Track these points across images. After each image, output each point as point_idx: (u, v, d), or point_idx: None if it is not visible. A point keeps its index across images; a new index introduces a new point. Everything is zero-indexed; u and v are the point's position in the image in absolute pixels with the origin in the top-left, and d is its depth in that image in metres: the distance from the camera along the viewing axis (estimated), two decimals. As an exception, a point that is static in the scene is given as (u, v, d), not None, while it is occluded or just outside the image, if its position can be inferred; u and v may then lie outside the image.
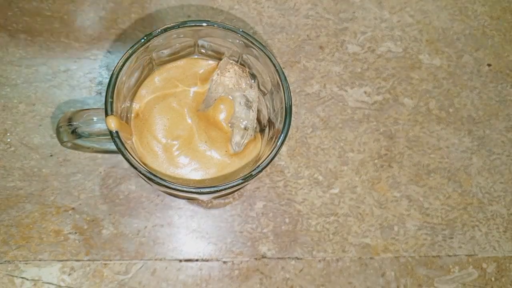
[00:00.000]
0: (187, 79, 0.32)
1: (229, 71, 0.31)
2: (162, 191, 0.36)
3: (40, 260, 0.35)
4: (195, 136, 0.31)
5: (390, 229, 0.38)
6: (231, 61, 0.32)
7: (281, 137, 0.28)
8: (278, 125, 0.29)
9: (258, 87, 0.32)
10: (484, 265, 0.39)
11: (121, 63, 0.28)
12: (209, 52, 0.33)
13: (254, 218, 0.37)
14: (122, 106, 0.30)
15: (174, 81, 0.32)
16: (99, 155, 0.37)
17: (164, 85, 0.32)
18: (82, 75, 0.38)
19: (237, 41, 0.30)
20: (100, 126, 0.28)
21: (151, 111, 0.31)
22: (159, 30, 0.29)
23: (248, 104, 0.31)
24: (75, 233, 0.35)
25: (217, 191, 0.27)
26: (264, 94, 0.33)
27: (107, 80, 0.29)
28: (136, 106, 0.31)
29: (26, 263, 0.34)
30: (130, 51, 0.28)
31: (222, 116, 0.31)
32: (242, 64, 0.32)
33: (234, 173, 0.31)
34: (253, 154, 0.32)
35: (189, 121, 0.31)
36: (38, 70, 0.38)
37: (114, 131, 0.26)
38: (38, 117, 0.37)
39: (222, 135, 0.31)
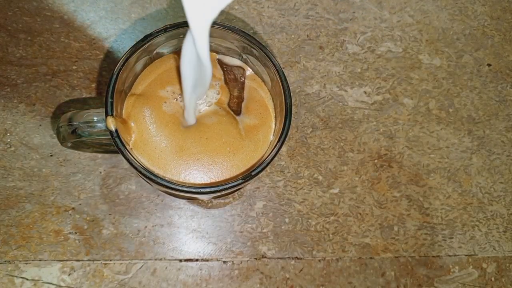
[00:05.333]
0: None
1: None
2: (162, 191, 0.36)
3: (40, 260, 0.35)
4: (198, 129, 0.30)
5: (390, 229, 0.38)
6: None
7: (281, 137, 0.28)
8: (278, 125, 0.29)
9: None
10: (484, 265, 0.39)
11: (121, 63, 0.28)
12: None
13: (254, 218, 0.37)
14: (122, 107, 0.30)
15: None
16: (99, 155, 0.37)
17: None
18: (82, 75, 0.38)
19: (237, 41, 0.30)
20: (100, 126, 0.28)
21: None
22: (159, 30, 0.29)
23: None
24: (75, 233, 0.35)
25: (217, 191, 0.27)
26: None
27: (107, 80, 0.29)
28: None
29: (26, 263, 0.34)
30: (130, 51, 0.28)
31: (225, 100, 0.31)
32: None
33: (240, 164, 0.30)
34: (265, 141, 0.31)
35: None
36: (38, 70, 0.38)
37: (114, 131, 0.26)
38: (38, 117, 0.37)
39: (228, 119, 0.31)
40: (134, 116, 0.29)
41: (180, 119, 0.30)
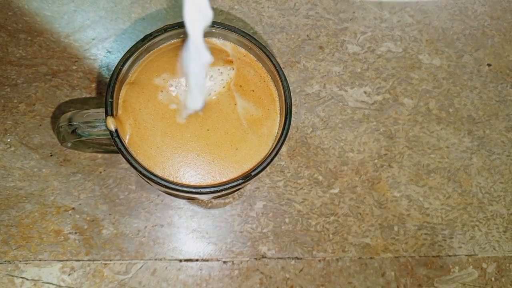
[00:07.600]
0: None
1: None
2: (162, 191, 0.36)
3: (40, 260, 0.35)
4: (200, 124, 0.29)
5: (390, 229, 0.38)
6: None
7: (281, 137, 0.28)
8: (280, 123, 0.29)
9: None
10: (484, 265, 0.39)
11: (121, 63, 0.28)
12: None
13: (254, 218, 0.37)
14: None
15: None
16: (99, 155, 0.37)
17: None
18: (82, 75, 0.38)
19: (237, 41, 0.30)
20: (100, 126, 0.28)
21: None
22: (159, 30, 0.29)
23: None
24: (75, 233, 0.35)
25: (217, 191, 0.27)
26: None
27: (107, 80, 0.29)
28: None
29: (26, 263, 0.34)
30: (130, 51, 0.28)
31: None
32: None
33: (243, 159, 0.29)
34: (269, 135, 0.30)
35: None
36: (38, 70, 0.38)
37: (114, 131, 0.26)
38: (38, 117, 0.37)
39: (227, 99, 0.29)
40: (129, 108, 0.28)
41: (179, 109, 0.28)
